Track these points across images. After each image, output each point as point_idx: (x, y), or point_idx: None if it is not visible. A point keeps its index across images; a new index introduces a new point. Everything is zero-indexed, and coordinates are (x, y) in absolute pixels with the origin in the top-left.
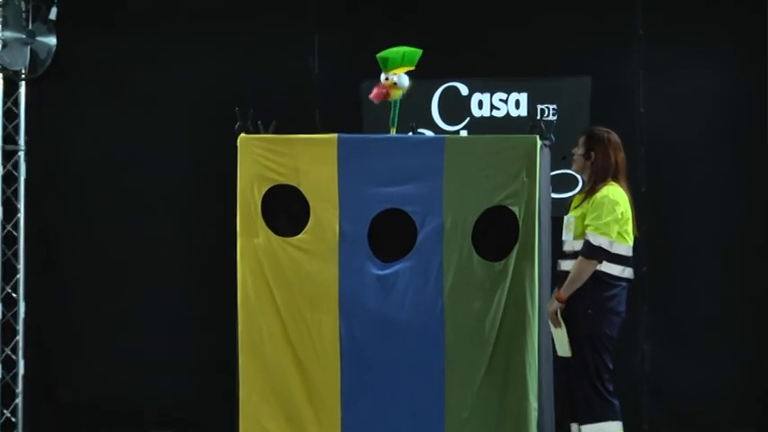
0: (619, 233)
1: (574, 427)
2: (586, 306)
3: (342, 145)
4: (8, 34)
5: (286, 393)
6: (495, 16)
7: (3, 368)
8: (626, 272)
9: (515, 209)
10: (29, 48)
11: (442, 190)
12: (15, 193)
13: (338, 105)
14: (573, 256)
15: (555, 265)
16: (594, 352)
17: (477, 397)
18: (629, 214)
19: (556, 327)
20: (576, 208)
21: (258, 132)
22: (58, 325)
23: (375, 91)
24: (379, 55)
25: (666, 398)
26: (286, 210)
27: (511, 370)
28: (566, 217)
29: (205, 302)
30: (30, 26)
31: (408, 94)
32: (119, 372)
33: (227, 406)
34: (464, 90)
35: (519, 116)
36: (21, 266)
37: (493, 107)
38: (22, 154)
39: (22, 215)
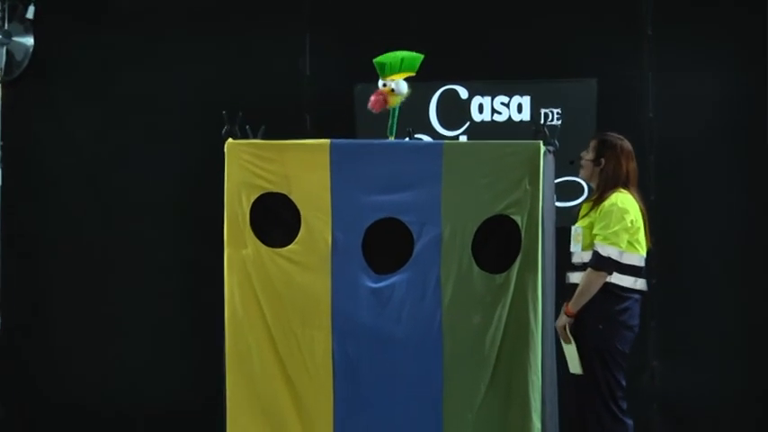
0: (629, 242)
1: None
2: (597, 320)
3: (334, 151)
4: None
5: (275, 413)
6: (496, 15)
7: None
8: (638, 283)
9: (517, 218)
10: (5, 48)
11: (441, 198)
12: None
13: (331, 109)
14: (582, 267)
15: (561, 277)
16: (606, 368)
17: (478, 417)
18: (641, 223)
19: (565, 342)
20: (583, 217)
21: (246, 137)
22: (34, 334)
23: (372, 99)
24: (375, 60)
25: (678, 417)
26: (276, 219)
27: (513, 388)
28: (573, 227)
29: (191, 316)
30: (6, 26)
31: (405, 99)
32: (98, 384)
33: (212, 424)
34: (464, 93)
35: (521, 121)
36: None
37: (494, 111)
38: None
39: None
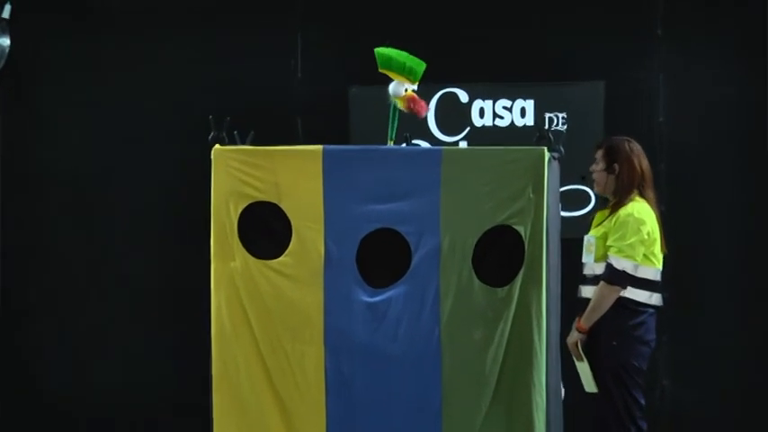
0: (645, 255)
1: None
2: (611, 336)
3: (327, 157)
4: None
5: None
6: (498, 14)
7: None
8: (653, 298)
9: (521, 229)
10: None
11: (439, 208)
12: None
13: (324, 113)
14: (594, 280)
15: (570, 291)
16: (622, 387)
17: None
18: (657, 234)
19: (578, 360)
20: (597, 226)
21: (234, 143)
22: (11, 349)
23: (419, 104)
24: (379, 50)
25: None
26: (265, 230)
27: (515, 409)
28: (586, 237)
29: (175, 331)
30: None
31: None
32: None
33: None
34: (464, 97)
35: (525, 126)
36: None
37: (496, 116)
38: None
39: None
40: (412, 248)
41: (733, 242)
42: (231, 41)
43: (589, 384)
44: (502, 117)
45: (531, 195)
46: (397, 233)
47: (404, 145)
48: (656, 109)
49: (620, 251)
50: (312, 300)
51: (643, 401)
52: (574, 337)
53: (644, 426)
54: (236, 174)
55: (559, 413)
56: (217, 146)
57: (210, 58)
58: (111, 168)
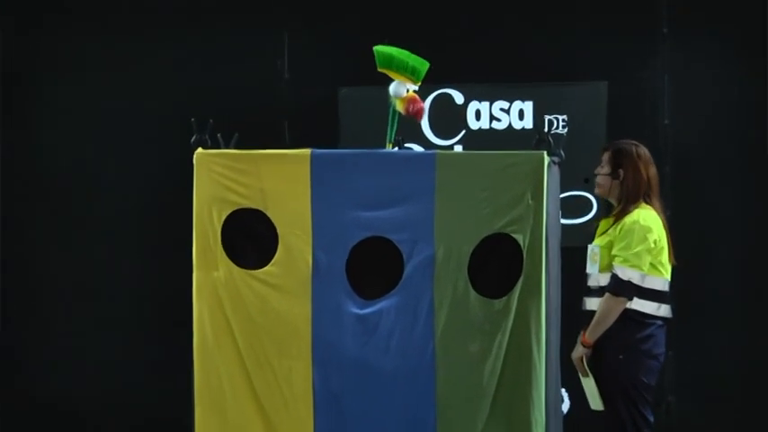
0: (652, 265)
1: None
2: (617, 350)
3: (316, 162)
4: None
5: None
6: (495, 12)
7: None
8: (662, 309)
9: (519, 237)
10: None
11: (434, 215)
12: None
13: (312, 115)
14: (598, 292)
15: (573, 302)
16: (630, 404)
17: None
18: (664, 242)
19: (583, 376)
20: (602, 235)
21: (218, 147)
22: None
23: (419, 106)
24: (379, 48)
25: None
26: (250, 238)
27: (513, 426)
28: (590, 246)
29: (159, 343)
30: None
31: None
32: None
33: None
34: (459, 98)
35: (523, 129)
36: None
37: (492, 118)
38: None
39: None
40: (405, 257)
41: (743, 249)
42: (216, 42)
43: (595, 402)
44: (499, 119)
45: (530, 202)
46: (388, 241)
47: (396, 149)
48: (660, 110)
49: (625, 261)
50: (299, 311)
51: (652, 419)
52: (579, 351)
53: None
54: (220, 179)
55: (560, 430)
56: (199, 149)
57: (195, 58)
58: (90, 170)
